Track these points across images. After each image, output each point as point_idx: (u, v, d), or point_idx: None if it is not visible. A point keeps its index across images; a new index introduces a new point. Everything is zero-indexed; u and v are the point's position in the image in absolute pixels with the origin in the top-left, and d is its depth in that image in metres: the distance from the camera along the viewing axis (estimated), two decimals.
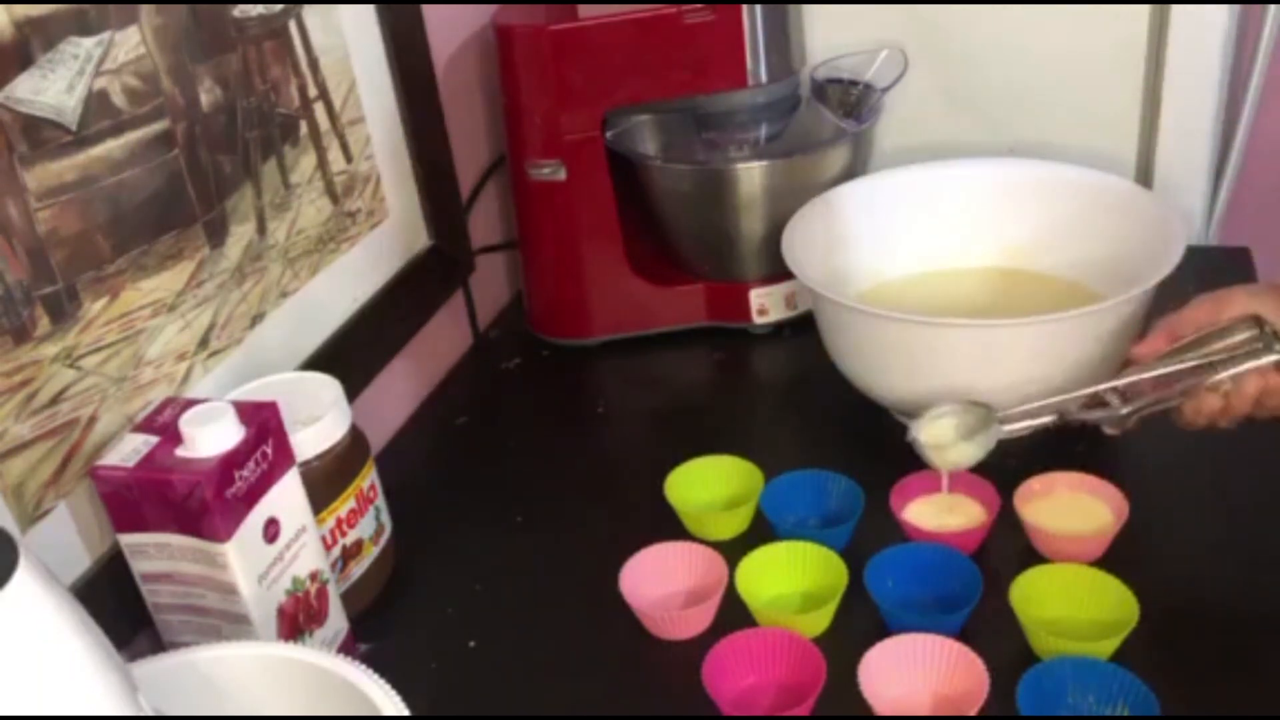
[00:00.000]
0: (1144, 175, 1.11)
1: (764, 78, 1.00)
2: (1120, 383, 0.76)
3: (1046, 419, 0.77)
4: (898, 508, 0.78)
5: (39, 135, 0.63)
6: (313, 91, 0.87)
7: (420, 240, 1.04)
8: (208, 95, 0.76)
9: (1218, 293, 0.75)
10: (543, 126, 1.01)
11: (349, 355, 0.90)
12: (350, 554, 0.77)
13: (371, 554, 0.79)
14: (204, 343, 0.77)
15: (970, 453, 0.76)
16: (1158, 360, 0.74)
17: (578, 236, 1.06)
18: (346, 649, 0.74)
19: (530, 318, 1.14)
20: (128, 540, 0.65)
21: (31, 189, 0.63)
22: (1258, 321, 0.72)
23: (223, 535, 0.62)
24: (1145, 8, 1.05)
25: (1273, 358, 0.70)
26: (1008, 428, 0.76)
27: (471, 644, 0.76)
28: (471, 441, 0.99)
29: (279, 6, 0.82)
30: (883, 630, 0.69)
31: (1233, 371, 0.71)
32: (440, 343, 1.08)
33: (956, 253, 0.99)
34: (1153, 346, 0.75)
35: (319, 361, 0.87)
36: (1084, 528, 0.75)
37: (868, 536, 0.77)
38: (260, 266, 0.82)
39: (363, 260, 0.94)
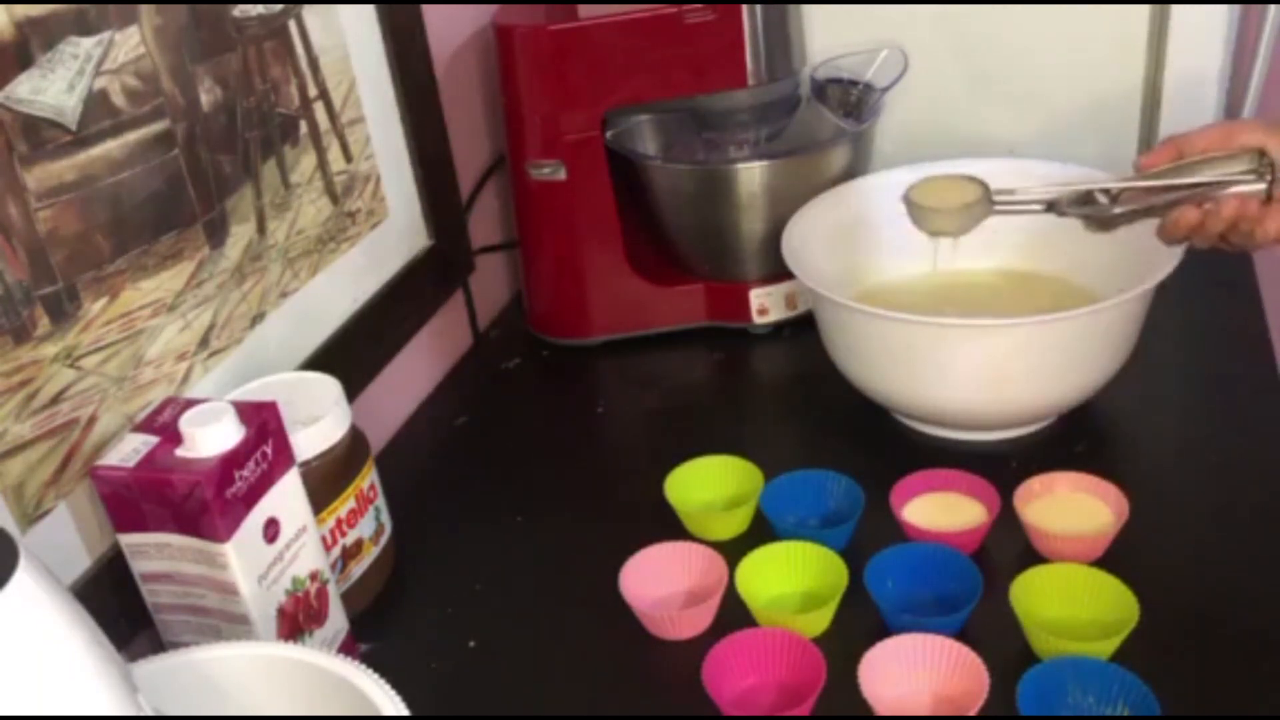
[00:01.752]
0: None
1: (764, 78, 1.00)
2: (1114, 185, 0.78)
3: (1037, 206, 0.80)
4: (898, 508, 0.78)
5: (39, 135, 0.63)
6: (313, 91, 0.87)
7: (420, 240, 1.04)
8: (208, 95, 0.76)
9: (1233, 121, 0.77)
10: (543, 126, 1.01)
11: (349, 355, 0.90)
12: (350, 554, 0.77)
13: (371, 554, 0.79)
14: (204, 343, 0.77)
15: (957, 222, 0.78)
16: (1156, 173, 0.76)
17: (578, 236, 1.06)
18: (346, 649, 0.74)
19: (530, 318, 1.14)
20: (128, 540, 0.65)
21: (31, 189, 0.63)
22: (1261, 154, 0.73)
23: (223, 535, 0.62)
24: (1145, 8, 1.05)
25: (1259, 186, 0.72)
26: (999, 208, 0.79)
27: (471, 644, 0.76)
28: (471, 441, 0.99)
29: (279, 6, 0.82)
30: (883, 630, 0.69)
31: (1219, 194, 0.73)
32: (440, 343, 1.08)
33: (956, 253, 0.99)
34: (1156, 159, 0.77)
35: (319, 361, 0.87)
36: (1084, 528, 0.75)
37: (868, 536, 0.77)
38: (260, 266, 0.82)
39: (363, 260, 0.94)
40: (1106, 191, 0.80)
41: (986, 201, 0.81)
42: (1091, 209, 0.80)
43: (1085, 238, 0.94)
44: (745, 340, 1.08)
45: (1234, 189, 0.73)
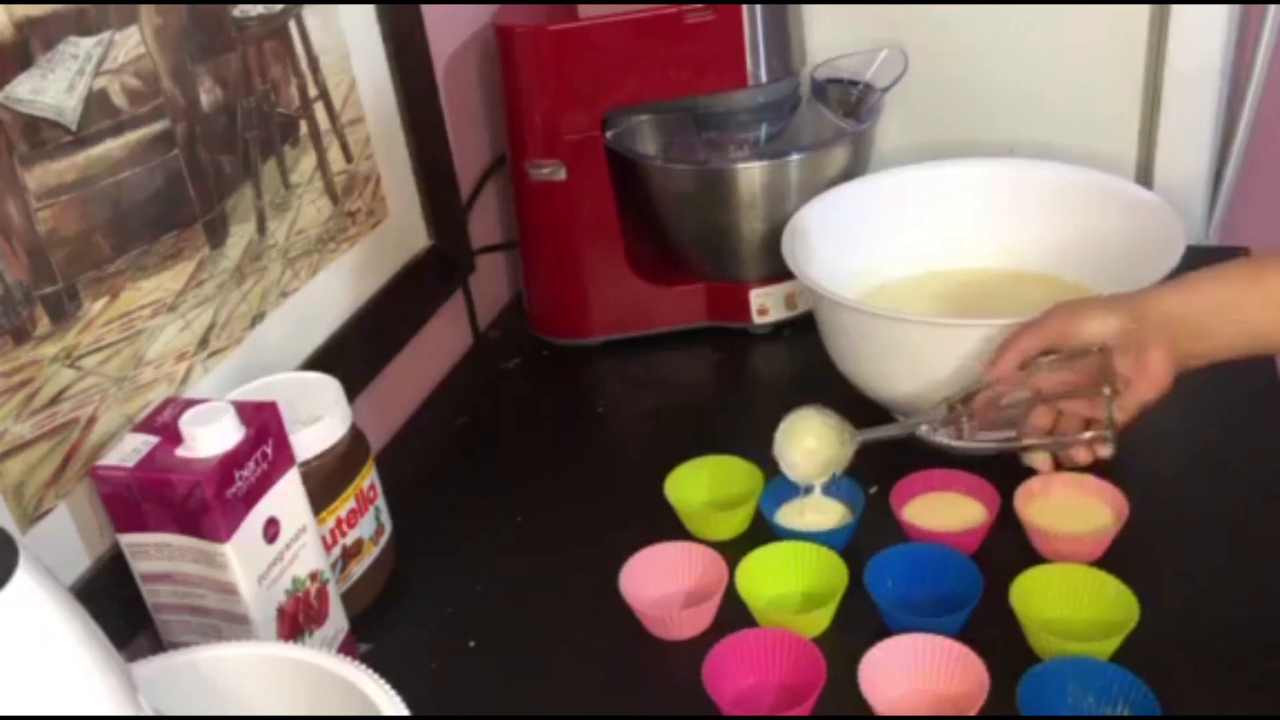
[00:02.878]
0: (1144, 175, 1.11)
1: (764, 78, 1.00)
2: (967, 406, 0.78)
3: (899, 433, 0.81)
4: (898, 508, 0.78)
5: (39, 135, 0.63)
6: (313, 91, 0.87)
7: (420, 240, 1.04)
8: (208, 95, 0.76)
9: (1070, 309, 0.75)
10: (543, 126, 1.01)
11: (349, 355, 0.90)
12: (350, 554, 0.77)
13: (371, 554, 0.79)
14: (204, 343, 0.77)
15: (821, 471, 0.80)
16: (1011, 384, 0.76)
17: (578, 236, 1.06)
18: (346, 649, 0.74)
19: (530, 318, 1.14)
20: (128, 540, 0.65)
21: (31, 189, 0.63)
22: (1103, 353, 0.73)
23: (223, 535, 0.62)
24: (1145, 8, 1.05)
25: (1099, 434, 0.75)
26: (864, 437, 0.81)
27: (471, 644, 0.76)
28: (471, 441, 0.99)
29: (279, 6, 0.82)
30: (883, 630, 0.69)
31: (1070, 440, 0.76)
32: (440, 343, 1.08)
33: (956, 253, 1.00)
34: (1004, 371, 0.76)
35: (319, 361, 0.87)
36: (1084, 528, 0.75)
37: (868, 536, 0.77)
38: (260, 266, 0.82)
39: (363, 260, 0.94)
40: (969, 412, 0.79)
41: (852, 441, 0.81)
42: (953, 438, 0.80)
43: (1085, 237, 0.95)
44: (745, 340, 1.08)
45: (1084, 436, 0.76)
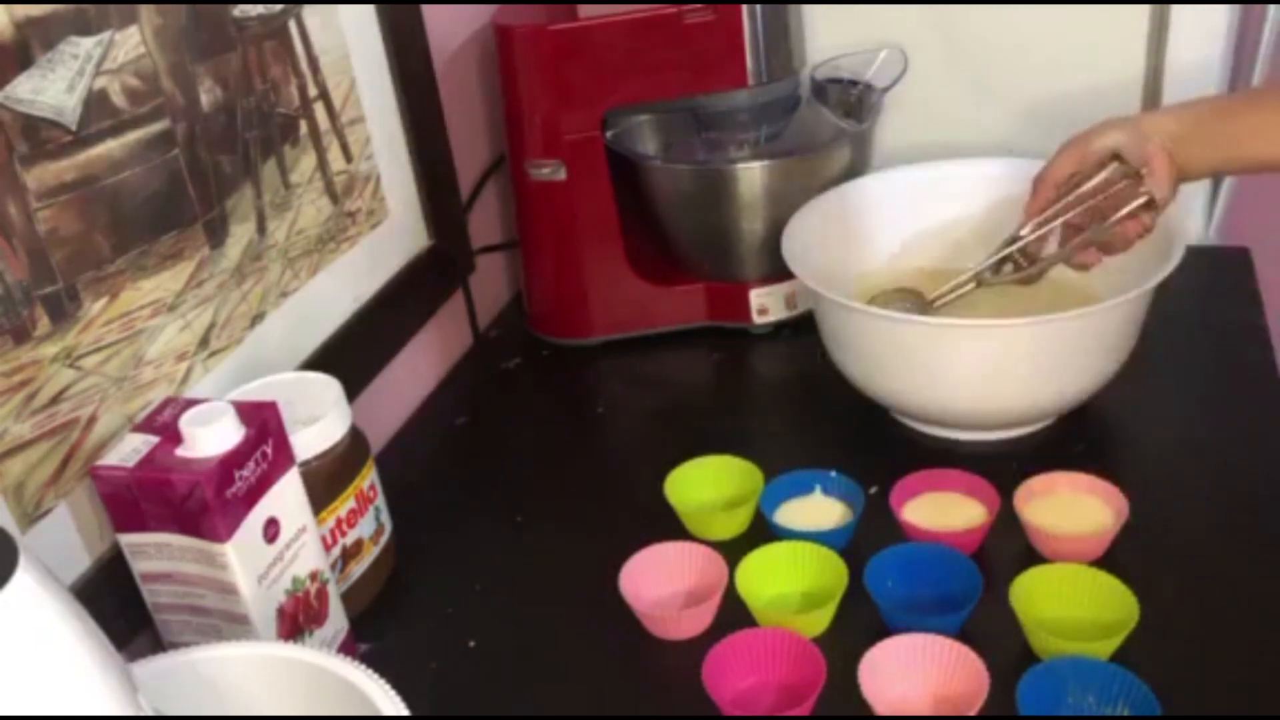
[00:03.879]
0: None
1: (764, 78, 1.00)
2: (1021, 243, 0.88)
3: (967, 288, 0.91)
4: (898, 508, 0.78)
5: (39, 135, 0.63)
6: (313, 91, 0.87)
7: (420, 240, 1.04)
8: (208, 95, 0.76)
9: (1076, 138, 0.85)
10: (543, 126, 1.01)
11: (349, 355, 0.90)
12: (350, 554, 0.77)
13: (371, 554, 0.79)
14: (204, 343, 0.77)
15: None
16: (1049, 212, 0.86)
17: (578, 236, 1.06)
18: (346, 649, 0.74)
19: (530, 318, 1.14)
20: (128, 540, 0.65)
21: (31, 189, 0.63)
22: (1117, 158, 0.83)
23: (222, 535, 0.62)
24: (1145, 8, 1.05)
25: (1141, 199, 0.81)
26: (939, 304, 0.91)
27: (471, 644, 0.76)
28: (471, 441, 0.99)
29: (279, 6, 0.82)
30: (883, 630, 0.69)
31: (1116, 219, 0.82)
32: (440, 343, 1.08)
33: (957, 253, 1.00)
34: (1040, 203, 0.87)
35: (319, 361, 0.87)
36: (1084, 528, 0.75)
37: (868, 536, 0.77)
38: (260, 266, 0.82)
39: (363, 260, 0.94)
40: (1022, 252, 0.89)
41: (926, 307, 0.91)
42: (1015, 273, 0.89)
43: None
44: (745, 340, 1.08)
45: (1127, 208, 0.81)
